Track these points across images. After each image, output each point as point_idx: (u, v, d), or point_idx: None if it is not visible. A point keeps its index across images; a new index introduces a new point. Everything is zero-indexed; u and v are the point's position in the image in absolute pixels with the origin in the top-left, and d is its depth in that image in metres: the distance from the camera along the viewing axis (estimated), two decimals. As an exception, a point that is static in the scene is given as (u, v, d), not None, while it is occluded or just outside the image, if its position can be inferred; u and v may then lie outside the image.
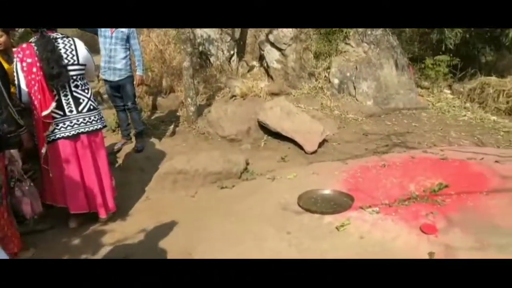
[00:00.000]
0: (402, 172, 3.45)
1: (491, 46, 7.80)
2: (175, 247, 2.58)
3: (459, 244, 2.19)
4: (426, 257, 2.17)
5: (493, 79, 6.75)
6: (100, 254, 2.62)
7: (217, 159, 3.86)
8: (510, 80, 6.43)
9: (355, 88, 6.43)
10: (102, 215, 2.98)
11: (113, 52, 4.04)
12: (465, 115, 6.41)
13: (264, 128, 5.01)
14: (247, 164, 4.17)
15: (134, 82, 4.35)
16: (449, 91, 7.56)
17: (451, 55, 7.44)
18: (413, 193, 3.21)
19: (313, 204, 2.79)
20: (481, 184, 2.97)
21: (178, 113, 5.66)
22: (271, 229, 2.47)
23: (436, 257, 2.15)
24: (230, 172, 3.79)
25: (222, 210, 3.00)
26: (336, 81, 6.51)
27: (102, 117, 3.05)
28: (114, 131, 4.93)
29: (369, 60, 6.55)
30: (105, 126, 3.10)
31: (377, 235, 2.33)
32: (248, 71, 7.28)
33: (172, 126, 5.23)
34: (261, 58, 7.16)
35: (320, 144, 4.87)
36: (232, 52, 7.16)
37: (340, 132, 5.57)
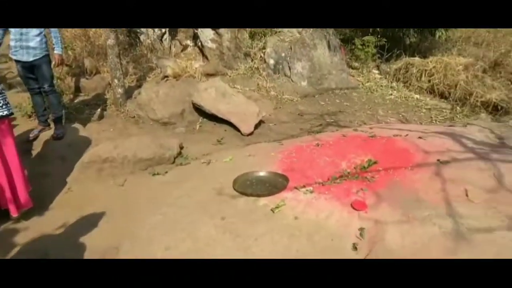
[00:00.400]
0: (334, 150, 3.53)
1: (414, 29, 8.28)
2: (100, 243, 2.36)
3: (387, 218, 2.28)
4: (357, 233, 2.22)
5: (416, 59, 7.19)
6: (11, 255, 2.32)
7: (148, 144, 3.63)
8: (431, 60, 6.89)
9: (290, 69, 6.45)
10: (13, 213, 2.63)
11: (24, 28, 3.55)
12: (391, 94, 6.78)
13: (199, 110, 4.82)
14: (181, 148, 3.98)
15: (53, 62, 3.89)
16: (377, 71, 7.93)
17: (378, 36, 7.79)
18: (345, 171, 3.30)
19: (248, 187, 2.73)
20: (406, 160, 3.13)
21: (105, 96, 5.24)
22: (205, 216, 2.36)
23: (366, 232, 2.21)
24: (163, 157, 3.59)
25: (154, 199, 2.82)
26: (271, 61, 6.48)
27: (8, 103, 2.67)
28: (30, 116, 4.41)
29: (303, 40, 6.59)
30: (11, 114, 2.71)
31: (311, 214, 2.34)
32: (182, 50, 6.96)
33: (99, 110, 4.83)
34: (195, 37, 6.87)
35: (257, 126, 4.82)
36: (164, 30, 6.76)
37: (276, 113, 5.57)
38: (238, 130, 4.60)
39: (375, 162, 3.30)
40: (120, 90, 4.82)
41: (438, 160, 3.04)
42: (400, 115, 5.77)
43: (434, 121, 5.58)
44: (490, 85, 5.89)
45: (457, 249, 1.99)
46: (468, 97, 6.01)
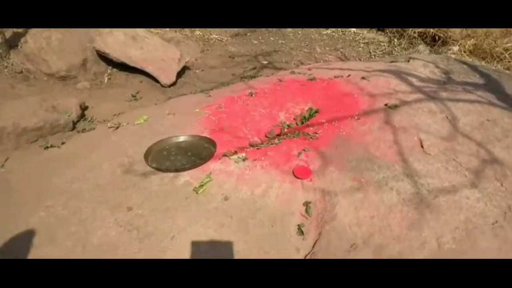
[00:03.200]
0: (271, 99, 3.02)
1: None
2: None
3: (336, 187, 1.86)
4: (302, 209, 1.79)
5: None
6: None
7: (35, 109, 2.80)
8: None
9: (216, 3, 5.60)
10: None
11: None
12: (328, 29, 6.28)
13: (106, 58, 3.94)
14: (84, 109, 3.20)
15: None
16: (312, 4, 7.31)
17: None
18: (283, 123, 2.85)
19: (165, 159, 2.14)
20: (351, 106, 2.72)
21: (-19, 47, 4.09)
22: (105, 209, 1.76)
23: (313, 208, 1.79)
24: (57, 124, 2.81)
25: (39, 185, 2.13)
26: (193, -6, 5.55)
27: None
28: None
29: (229, -32, 5.69)
30: None
31: (245, 192, 1.85)
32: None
33: (-28, 66, 3.75)
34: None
35: (180, 73, 4.10)
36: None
37: (203, 56, 4.85)
38: (157, 81, 3.86)
39: (316, 111, 2.87)
40: (-3, 38, 3.74)
41: (386, 104, 2.67)
42: (339, 52, 5.34)
43: (372, 56, 5.24)
44: (427, 14, 5.60)
45: (421, 220, 1.64)
46: (405, 29, 5.71)
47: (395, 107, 2.62)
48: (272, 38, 5.73)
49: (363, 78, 3.19)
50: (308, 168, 1.99)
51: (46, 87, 3.67)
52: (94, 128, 2.92)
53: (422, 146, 2.18)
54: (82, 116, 3.13)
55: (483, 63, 4.85)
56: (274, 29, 6.01)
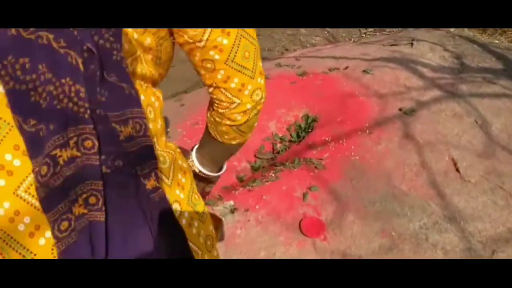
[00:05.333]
0: (257, 106, 2.50)
1: None
2: None
3: (360, 248, 1.39)
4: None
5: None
6: None
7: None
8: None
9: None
10: None
11: None
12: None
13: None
14: None
15: None
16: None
17: None
18: (275, 136, 2.36)
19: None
20: (358, 113, 2.22)
21: None
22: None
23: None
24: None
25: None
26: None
27: None
28: None
29: None
30: None
31: (239, 266, 1.36)
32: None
33: None
34: None
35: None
36: None
37: (173, 48, 4.21)
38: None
39: (314, 120, 2.37)
40: None
41: (400, 109, 2.19)
42: (326, 32, 4.78)
43: (363, 35, 4.71)
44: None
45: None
46: None
47: (411, 112, 2.14)
48: (249, 20, 5.10)
49: (364, 71, 2.68)
50: (320, 220, 1.50)
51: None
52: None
53: (457, 170, 1.72)
54: None
55: (485, 36, 4.40)
56: (251, 9, 5.37)
